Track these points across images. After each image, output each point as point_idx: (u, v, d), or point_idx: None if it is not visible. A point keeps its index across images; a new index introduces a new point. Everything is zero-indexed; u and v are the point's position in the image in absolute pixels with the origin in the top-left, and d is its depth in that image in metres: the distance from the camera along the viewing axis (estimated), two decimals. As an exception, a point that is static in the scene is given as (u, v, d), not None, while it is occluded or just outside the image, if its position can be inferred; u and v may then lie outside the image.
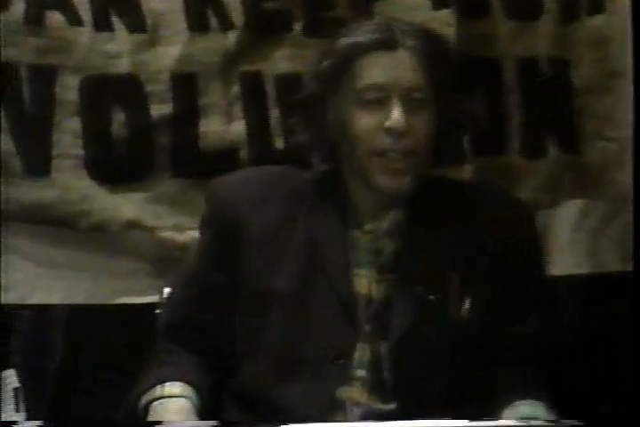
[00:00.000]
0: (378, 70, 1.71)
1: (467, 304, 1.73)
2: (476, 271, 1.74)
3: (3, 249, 2.11)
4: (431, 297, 1.72)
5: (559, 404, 1.70)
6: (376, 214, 1.77)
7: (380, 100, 1.71)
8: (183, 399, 1.72)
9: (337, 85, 1.73)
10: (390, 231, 1.77)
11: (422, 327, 1.72)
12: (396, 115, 1.69)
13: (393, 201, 1.76)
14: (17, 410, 2.21)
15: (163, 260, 2.18)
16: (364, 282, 1.75)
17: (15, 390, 2.22)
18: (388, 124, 1.69)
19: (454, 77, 1.77)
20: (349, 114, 1.72)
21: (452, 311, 1.73)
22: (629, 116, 2.24)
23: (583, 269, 2.31)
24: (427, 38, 1.74)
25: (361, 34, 1.73)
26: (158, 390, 1.73)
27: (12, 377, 2.23)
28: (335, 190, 1.79)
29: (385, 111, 1.70)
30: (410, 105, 1.71)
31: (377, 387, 1.73)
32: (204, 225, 1.85)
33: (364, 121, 1.71)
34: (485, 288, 1.75)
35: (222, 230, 1.80)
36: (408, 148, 1.71)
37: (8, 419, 2.15)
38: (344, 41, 1.74)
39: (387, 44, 1.71)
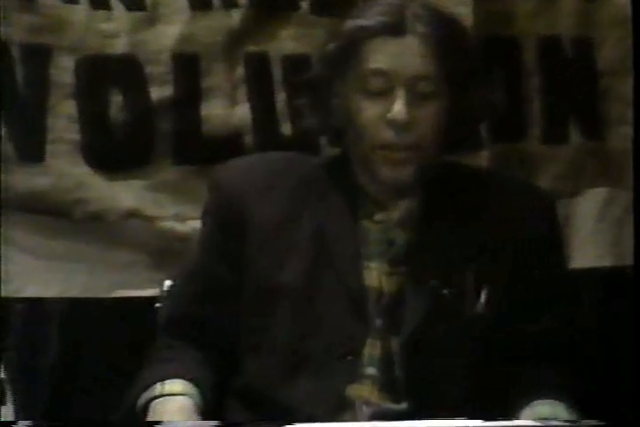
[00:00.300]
0: (383, 56, 1.66)
1: (482, 298, 1.69)
2: (492, 264, 1.70)
3: (-2, 239, 2.06)
4: (445, 291, 1.68)
5: (579, 403, 1.65)
6: (387, 203, 1.72)
7: (384, 90, 1.65)
8: (184, 398, 1.67)
9: (343, 70, 1.69)
10: (402, 221, 1.72)
11: (436, 323, 1.68)
12: (398, 106, 1.64)
13: (405, 190, 1.71)
14: (2, 403, 2.15)
15: (163, 251, 2.13)
16: (375, 275, 1.70)
17: (0, 381, 2.16)
18: (389, 116, 1.65)
19: (470, 65, 1.71)
20: (354, 102, 1.68)
21: (467, 306, 1.69)
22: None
23: (606, 261, 2.25)
24: (440, 23, 1.68)
25: (369, 16, 1.67)
26: (158, 388, 1.68)
27: (-5, 368, 2.18)
28: (344, 177, 1.74)
29: (389, 102, 1.65)
30: (415, 96, 1.65)
31: (388, 385, 1.69)
32: (207, 215, 1.80)
33: (367, 111, 1.66)
34: (502, 282, 1.70)
35: (226, 221, 1.75)
36: (411, 141, 1.66)
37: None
38: (351, 23, 1.69)
39: (395, 28, 1.65)
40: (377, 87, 1.66)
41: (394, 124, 1.65)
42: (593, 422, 1.50)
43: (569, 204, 2.23)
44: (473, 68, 1.71)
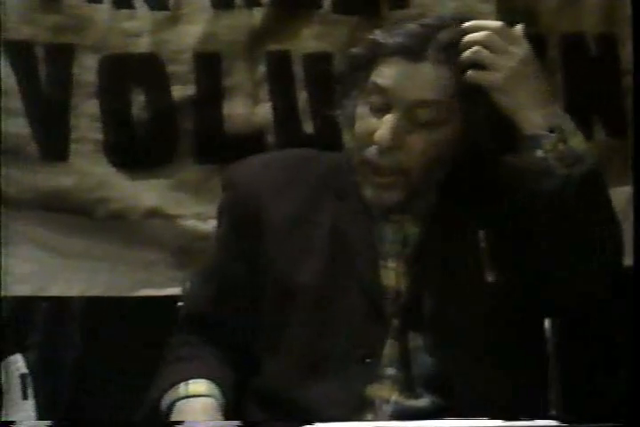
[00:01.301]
0: (390, 75, 1.63)
1: (499, 291, 1.65)
2: (507, 254, 1.66)
3: (17, 238, 2.05)
4: (460, 286, 1.65)
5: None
6: (402, 208, 1.70)
7: (383, 108, 1.63)
8: (209, 399, 1.66)
9: (356, 77, 1.67)
10: (417, 219, 1.70)
11: (453, 320, 1.66)
12: (383, 129, 1.61)
13: (419, 195, 1.68)
14: (24, 397, 2.15)
15: (185, 250, 2.12)
16: (392, 275, 1.69)
17: (22, 376, 2.17)
18: (375, 135, 1.62)
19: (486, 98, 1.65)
20: (357, 115, 1.66)
21: (484, 300, 1.66)
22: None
23: (631, 261, 2.20)
24: (460, 49, 1.63)
25: (392, 35, 1.65)
26: (182, 389, 1.67)
27: (18, 362, 2.18)
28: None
29: (381, 119, 1.62)
30: (413, 122, 1.62)
31: (407, 384, 1.67)
32: (222, 214, 1.79)
33: (363, 124, 1.65)
34: (516, 248, 1.66)
35: (241, 219, 1.74)
36: (394, 165, 1.63)
37: (14, 406, 2.10)
38: (375, 35, 1.67)
39: (412, 53, 1.62)
40: (377, 103, 1.63)
41: (377, 145, 1.62)
42: (611, 424, 1.47)
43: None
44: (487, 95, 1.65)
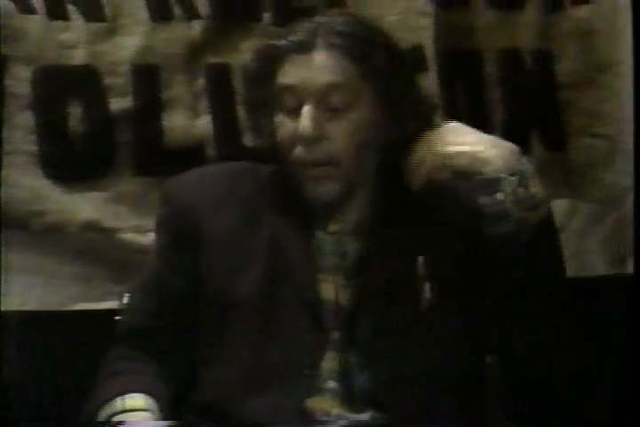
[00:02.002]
0: (292, 72, 1.64)
1: (434, 300, 1.66)
2: (443, 266, 1.67)
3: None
4: (396, 299, 1.65)
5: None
6: (338, 214, 1.70)
7: (297, 106, 1.64)
8: (146, 413, 1.64)
9: (264, 91, 1.68)
10: (355, 231, 1.70)
11: (391, 331, 1.65)
12: (303, 122, 1.62)
13: (355, 188, 1.68)
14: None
15: (123, 263, 2.09)
16: (331, 288, 1.68)
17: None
18: (298, 132, 1.63)
19: (392, 70, 1.66)
20: (276, 122, 1.67)
21: (421, 312, 1.66)
22: (621, 111, 2.17)
23: (569, 272, 2.20)
24: (351, 33, 1.65)
25: (282, 37, 1.67)
26: (119, 403, 1.65)
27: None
28: (295, 188, 1.71)
29: (300, 118, 1.63)
30: (327, 110, 1.63)
31: (349, 398, 1.66)
32: (160, 227, 1.78)
33: (283, 128, 1.66)
34: (455, 284, 1.67)
35: (179, 233, 1.73)
36: (325, 156, 1.64)
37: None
38: (265, 44, 1.70)
39: (303, 46, 1.64)
40: (290, 104, 1.64)
41: (302, 140, 1.63)
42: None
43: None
44: (397, 73, 1.67)
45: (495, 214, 1.59)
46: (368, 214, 1.71)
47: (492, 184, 1.59)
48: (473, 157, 1.60)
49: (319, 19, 1.69)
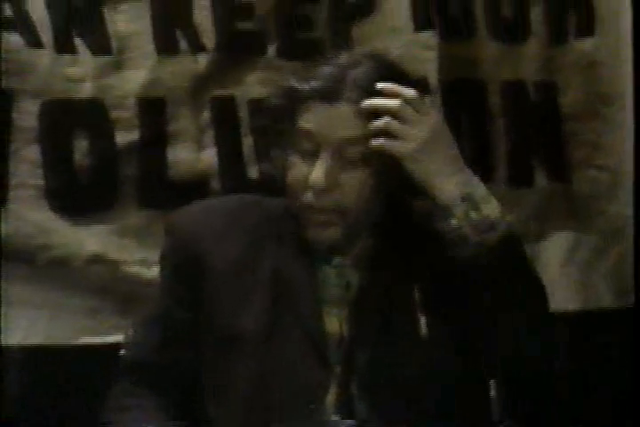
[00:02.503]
0: (313, 118, 1.63)
1: (430, 330, 1.65)
2: (440, 299, 1.66)
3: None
4: (394, 316, 1.65)
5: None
6: (341, 248, 1.69)
7: (312, 151, 1.63)
8: None
9: (281, 125, 1.68)
10: (358, 262, 1.70)
11: (388, 361, 1.65)
12: (317, 171, 1.62)
13: (358, 232, 1.68)
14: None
15: (128, 297, 2.09)
16: (335, 321, 1.68)
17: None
18: (309, 179, 1.63)
19: None
20: (288, 161, 1.67)
21: (417, 340, 1.65)
22: (625, 143, 2.18)
23: (573, 304, 2.25)
24: (377, 89, 1.62)
25: (307, 80, 1.65)
26: None
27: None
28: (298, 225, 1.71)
29: (314, 164, 1.63)
30: (342, 160, 1.63)
31: None
32: (164, 260, 1.77)
33: (295, 170, 1.65)
34: (450, 316, 1.66)
35: (183, 265, 1.72)
36: (332, 205, 1.64)
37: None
38: (290, 82, 1.67)
39: (328, 96, 1.63)
40: (306, 147, 1.64)
41: (313, 188, 1.63)
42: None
43: (534, 247, 2.23)
44: None
45: (453, 240, 1.61)
46: (370, 246, 1.71)
47: (445, 212, 1.61)
48: (425, 183, 1.61)
49: (343, 61, 1.66)
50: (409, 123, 1.61)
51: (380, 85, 1.61)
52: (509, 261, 1.63)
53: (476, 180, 1.64)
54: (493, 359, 1.68)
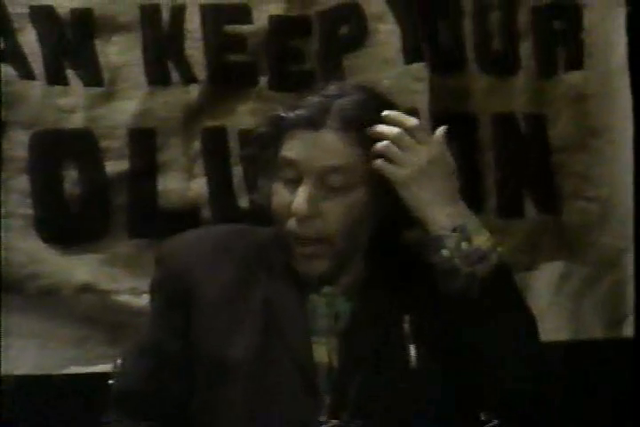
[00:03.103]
0: (296, 147, 1.64)
1: (420, 361, 1.64)
2: (431, 329, 1.65)
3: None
4: (386, 347, 1.64)
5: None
6: (331, 277, 1.68)
7: (295, 179, 1.64)
8: None
9: (267, 154, 1.68)
10: (347, 292, 1.69)
11: (379, 392, 1.63)
12: (299, 199, 1.62)
13: (346, 262, 1.68)
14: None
15: (117, 326, 2.09)
16: (324, 350, 1.67)
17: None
18: (292, 206, 1.63)
19: None
20: (273, 190, 1.67)
21: (408, 370, 1.64)
22: (615, 174, 2.19)
23: (564, 335, 2.25)
24: (366, 119, 1.63)
25: (293, 109, 1.66)
26: None
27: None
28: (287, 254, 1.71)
29: (297, 192, 1.63)
30: (325, 189, 1.63)
31: None
32: (154, 290, 1.76)
33: (279, 198, 1.65)
34: (440, 332, 1.65)
35: (173, 295, 1.71)
36: (318, 235, 1.63)
37: None
38: (275, 112, 1.68)
39: (311, 123, 1.63)
40: (289, 175, 1.64)
41: (296, 216, 1.63)
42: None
43: (525, 277, 2.23)
44: None
45: (444, 271, 1.61)
46: (360, 276, 1.70)
47: (436, 242, 1.61)
48: (417, 213, 1.61)
49: (330, 91, 1.66)
50: (407, 150, 1.62)
51: (385, 112, 1.63)
52: (500, 293, 1.63)
53: (468, 211, 1.64)
54: (484, 391, 1.67)
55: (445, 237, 1.61)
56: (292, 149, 1.64)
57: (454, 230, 1.61)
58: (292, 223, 1.63)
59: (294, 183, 1.63)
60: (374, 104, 1.66)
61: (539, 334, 1.68)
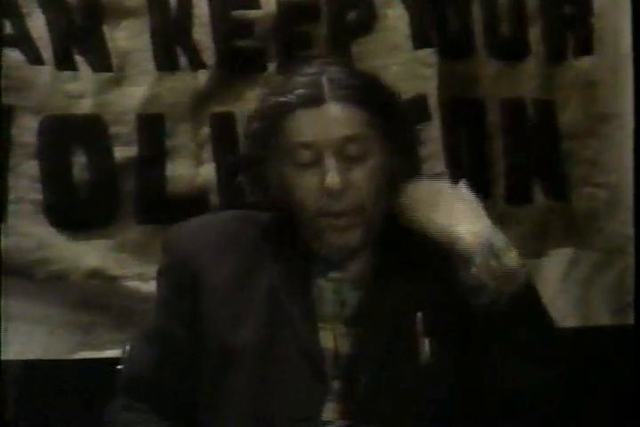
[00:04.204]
0: (306, 128, 1.65)
1: (432, 353, 1.66)
2: (442, 319, 1.67)
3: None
4: (397, 351, 1.66)
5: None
6: (339, 262, 1.70)
7: (314, 160, 1.65)
8: None
9: (271, 148, 1.68)
10: (355, 280, 1.70)
11: (390, 382, 1.65)
12: (331, 175, 1.63)
13: (374, 226, 1.69)
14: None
15: (126, 311, 2.09)
16: (331, 336, 1.68)
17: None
18: (325, 185, 1.64)
19: (397, 119, 1.69)
20: (288, 177, 1.67)
21: (420, 365, 1.66)
22: (624, 160, 2.18)
23: (572, 322, 2.24)
24: (358, 84, 1.67)
25: (288, 91, 1.67)
26: None
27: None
28: (295, 236, 1.72)
29: (321, 171, 1.64)
30: (346, 160, 1.65)
31: None
32: (161, 276, 1.78)
33: (302, 183, 1.66)
34: (453, 336, 1.67)
35: (179, 282, 1.73)
36: (352, 206, 1.65)
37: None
38: (270, 100, 1.68)
39: (313, 99, 1.65)
40: (306, 159, 1.65)
41: (330, 193, 1.64)
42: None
43: (533, 264, 2.21)
44: (401, 121, 1.70)
45: (473, 287, 1.61)
46: (370, 264, 1.71)
47: (466, 260, 1.61)
48: (444, 231, 1.63)
49: (312, 69, 1.68)
50: None
51: None
52: (526, 310, 1.64)
53: (496, 229, 1.64)
54: (494, 394, 1.68)
55: (475, 256, 1.61)
56: (301, 130, 1.64)
57: (483, 249, 1.61)
58: (326, 202, 1.64)
59: (312, 165, 1.64)
60: (358, 72, 1.70)
61: (555, 344, 1.69)
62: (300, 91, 1.65)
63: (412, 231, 1.69)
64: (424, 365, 1.65)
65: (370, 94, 1.66)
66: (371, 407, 1.65)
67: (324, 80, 1.65)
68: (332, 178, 1.62)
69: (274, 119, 1.66)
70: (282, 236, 1.72)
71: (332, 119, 1.64)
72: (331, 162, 1.63)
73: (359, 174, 1.65)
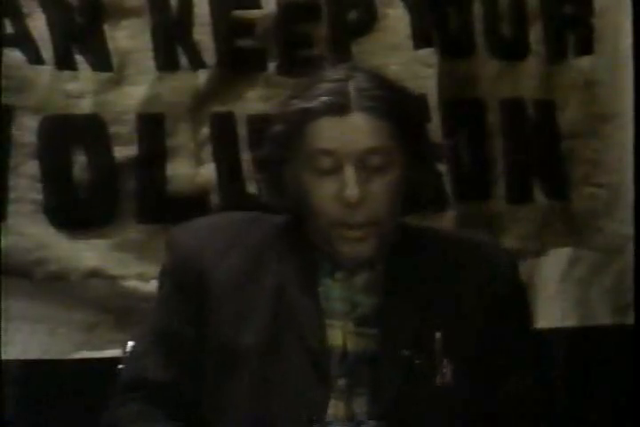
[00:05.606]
0: (329, 136, 1.63)
1: (450, 368, 1.65)
2: (458, 329, 1.66)
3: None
4: (417, 361, 1.64)
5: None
6: (347, 266, 1.69)
7: (334, 168, 1.63)
8: None
9: (291, 151, 1.66)
10: (366, 287, 1.69)
11: (409, 391, 1.64)
12: (349, 186, 1.61)
13: (387, 238, 1.68)
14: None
15: (126, 311, 2.09)
16: (338, 334, 1.66)
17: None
18: (343, 195, 1.62)
19: (422, 132, 1.69)
20: (306, 182, 1.65)
21: (437, 374, 1.65)
22: (624, 160, 2.18)
23: (571, 321, 2.25)
24: (385, 95, 1.64)
25: (313, 97, 1.64)
26: None
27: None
28: (302, 237, 1.71)
29: (339, 180, 1.63)
30: (366, 171, 1.63)
31: None
32: (164, 276, 1.76)
33: (320, 190, 1.64)
34: (470, 347, 1.66)
35: (184, 281, 1.71)
36: (368, 218, 1.64)
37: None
38: (295, 105, 1.66)
39: (338, 108, 1.62)
40: (326, 166, 1.63)
41: (348, 205, 1.62)
42: None
43: (534, 263, 2.23)
44: (424, 136, 1.69)
45: None
46: (381, 273, 1.69)
47: None
48: None
49: (337, 75, 1.65)
50: None
51: None
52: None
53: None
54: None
55: None
56: (324, 137, 1.62)
57: None
58: (342, 211, 1.62)
59: (332, 173, 1.62)
60: (381, 79, 1.67)
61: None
62: (326, 98, 1.62)
63: (426, 243, 1.69)
64: (441, 386, 1.64)
65: (396, 107, 1.64)
66: (375, 404, 1.63)
67: (351, 88, 1.63)
68: (352, 190, 1.60)
69: (297, 124, 1.64)
70: (290, 237, 1.71)
71: (357, 129, 1.62)
72: (351, 172, 1.61)
73: (378, 186, 1.63)
